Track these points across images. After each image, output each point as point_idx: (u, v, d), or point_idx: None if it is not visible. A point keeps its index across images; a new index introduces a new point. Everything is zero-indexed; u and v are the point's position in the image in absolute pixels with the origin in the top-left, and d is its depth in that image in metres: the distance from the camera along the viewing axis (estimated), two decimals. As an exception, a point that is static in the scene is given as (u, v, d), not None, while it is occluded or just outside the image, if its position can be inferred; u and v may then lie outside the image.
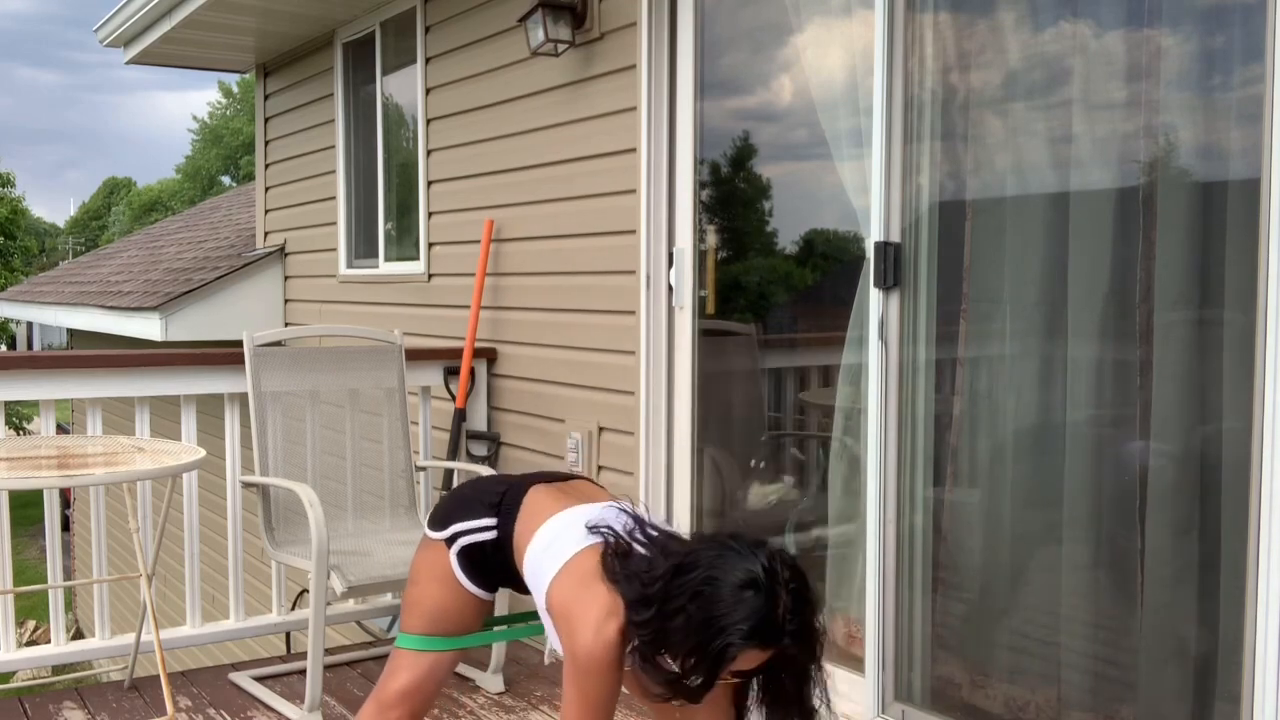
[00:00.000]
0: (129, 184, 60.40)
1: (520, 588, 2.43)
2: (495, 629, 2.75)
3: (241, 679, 3.90)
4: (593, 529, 2.20)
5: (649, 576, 2.05)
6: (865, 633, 3.08)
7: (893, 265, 3.03)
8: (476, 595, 2.40)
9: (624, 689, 2.21)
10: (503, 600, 3.60)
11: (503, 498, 2.39)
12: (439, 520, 2.43)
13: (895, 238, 3.04)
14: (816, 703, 2.09)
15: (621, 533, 2.18)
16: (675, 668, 2.04)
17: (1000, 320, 2.86)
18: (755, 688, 2.16)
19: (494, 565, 2.39)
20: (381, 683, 2.43)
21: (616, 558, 2.13)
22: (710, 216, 3.86)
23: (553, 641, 2.28)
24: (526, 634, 2.76)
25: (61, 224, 66.08)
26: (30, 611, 13.32)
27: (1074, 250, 2.68)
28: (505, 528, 2.36)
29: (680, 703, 2.10)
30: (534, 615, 2.75)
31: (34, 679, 7.76)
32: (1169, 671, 2.56)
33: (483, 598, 2.42)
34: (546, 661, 2.43)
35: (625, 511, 2.26)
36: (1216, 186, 2.45)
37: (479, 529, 2.37)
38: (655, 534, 2.19)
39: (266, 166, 7.38)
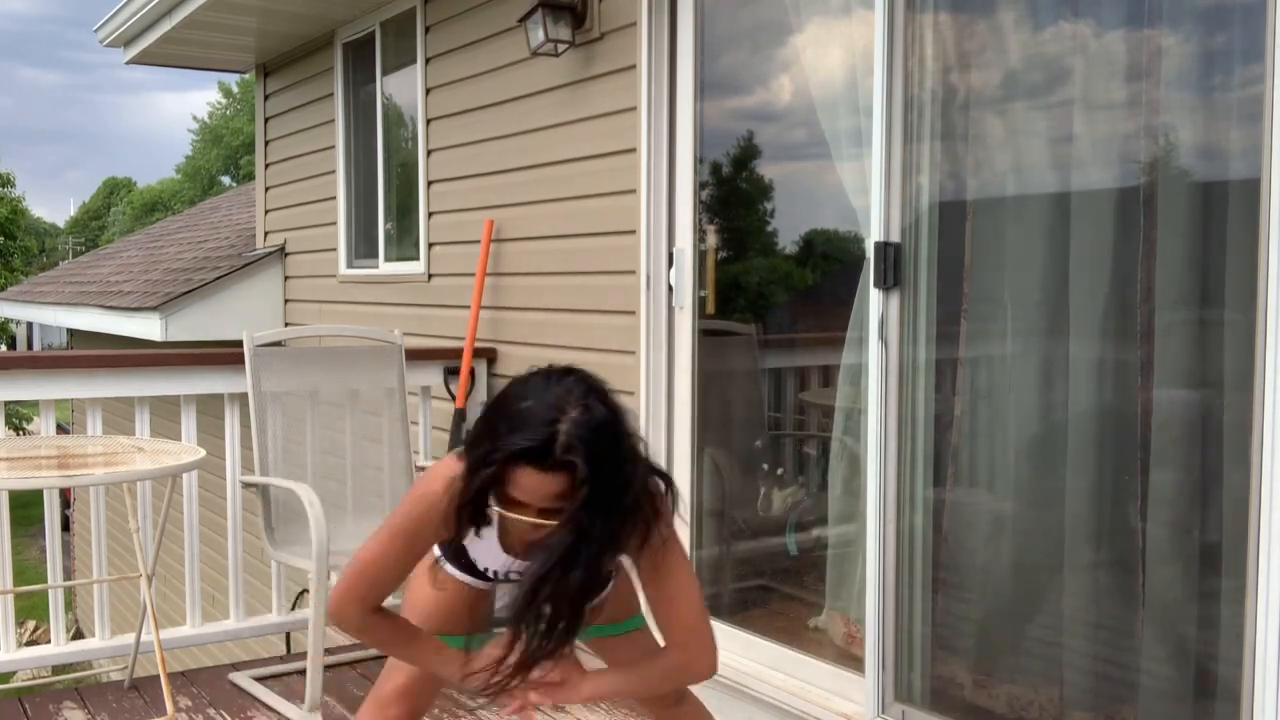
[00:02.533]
0: (129, 184, 60.42)
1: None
2: (496, 630, 2.74)
3: (241, 679, 3.90)
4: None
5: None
6: (865, 633, 3.08)
7: (893, 265, 3.03)
8: (467, 585, 2.38)
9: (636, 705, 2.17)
10: (499, 600, 3.60)
11: None
12: None
13: (895, 238, 3.04)
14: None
15: None
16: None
17: (1000, 320, 2.86)
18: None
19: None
20: (380, 681, 2.42)
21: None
22: (710, 216, 3.86)
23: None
24: None
25: (61, 224, 66.10)
26: (30, 611, 13.32)
27: (1074, 250, 2.68)
28: None
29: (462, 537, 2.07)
30: None
31: (34, 679, 7.75)
32: (1169, 671, 2.56)
33: (475, 586, 2.39)
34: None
35: None
36: (1216, 186, 2.45)
37: None
38: None
39: (266, 166, 7.38)
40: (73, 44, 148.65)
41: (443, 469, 2.05)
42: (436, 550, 2.37)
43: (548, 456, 1.87)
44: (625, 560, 2.27)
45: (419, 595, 2.40)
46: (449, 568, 2.37)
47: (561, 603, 1.99)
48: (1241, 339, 2.36)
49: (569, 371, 1.98)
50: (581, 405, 1.91)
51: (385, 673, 2.43)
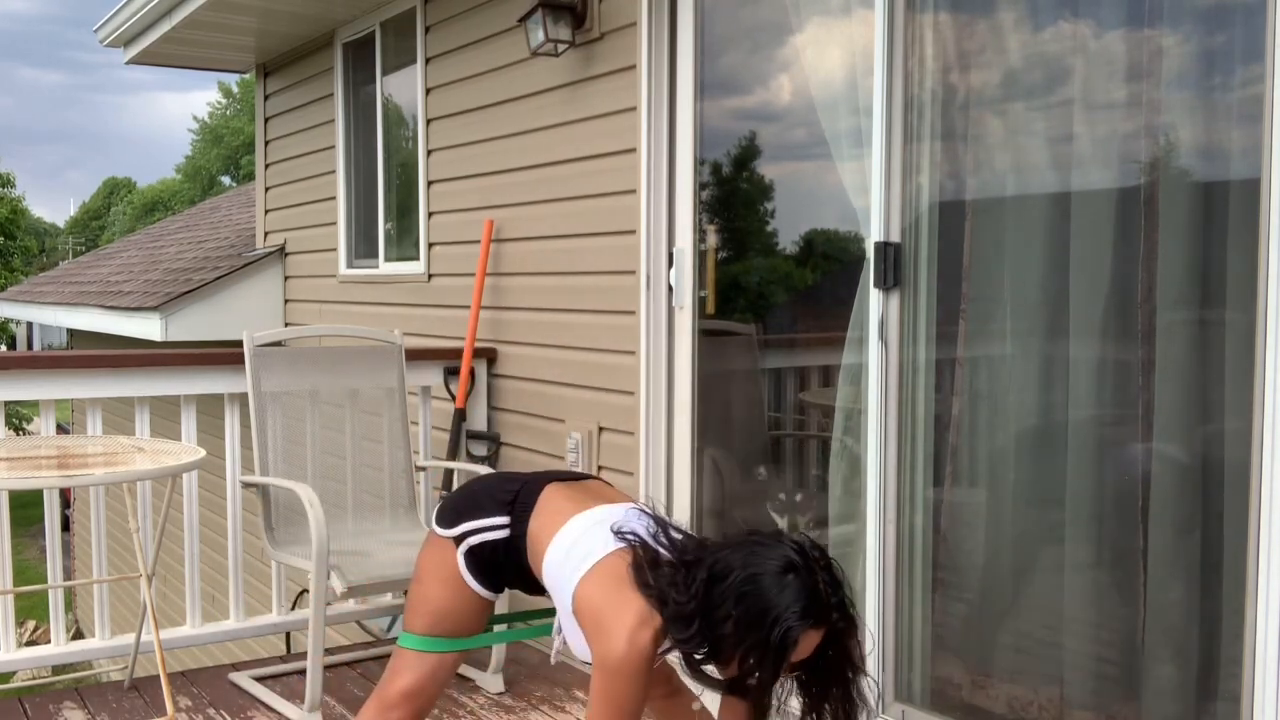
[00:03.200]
0: (129, 184, 60.41)
1: (529, 588, 2.43)
2: (497, 629, 2.75)
3: (241, 679, 3.90)
4: (619, 534, 2.20)
5: (683, 592, 2.07)
6: (865, 633, 3.08)
7: (893, 265, 3.03)
8: (482, 596, 2.40)
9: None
10: (502, 600, 3.60)
11: (516, 496, 2.38)
12: (448, 518, 2.40)
13: (895, 238, 3.04)
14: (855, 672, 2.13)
15: (648, 539, 2.19)
16: (725, 672, 2.08)
17: (1000, 320, 2.86)
18: (780, 688, 2.17)
19: (503, 565, 2.37)
20: (384, 683, 2.42)
21: (647, 568, 2.13)
22: (710, 216, 3.86)
23: (569, 639, 2.26)
24: (529, 635, 2.76)
25: (61, 224, 66.08)
26: (30, 611, 13.32)
27: (1074, 250, 2.68)
28: (518, 527, 2.34)
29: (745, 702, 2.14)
30: (536, 615, 2.75)
31: (34, 679, 7.75)
32: (1169, 671, 2.56)
33: (488, 598, 2.42)
34: (553, 661, 2.43)
35: (646, 513, 2.26)
36: (1216, 186, 2.45)
37: (490, 528, 2.36)
38: (679, 538, 2.20)
39: (266, 166, 7.38)
40: (73, 44, 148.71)
41: (619, 625, 2.08)
42: (463, 565, 2.36)
43: (827, 613, 2.03)
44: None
45: (432, 595, 2.39)
46: (473, 582, 2.37)
47: None
48: (1241, 339, 2.36)
49: (779, 533, 2.14)
50: (818, 555, 2.08)
51: (389, 673, 2.42)
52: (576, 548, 2.22)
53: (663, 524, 2.23)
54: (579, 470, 4.20)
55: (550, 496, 2.36)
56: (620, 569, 2.15)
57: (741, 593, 2.02)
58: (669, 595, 2.08)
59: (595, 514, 2.28)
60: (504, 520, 2.36)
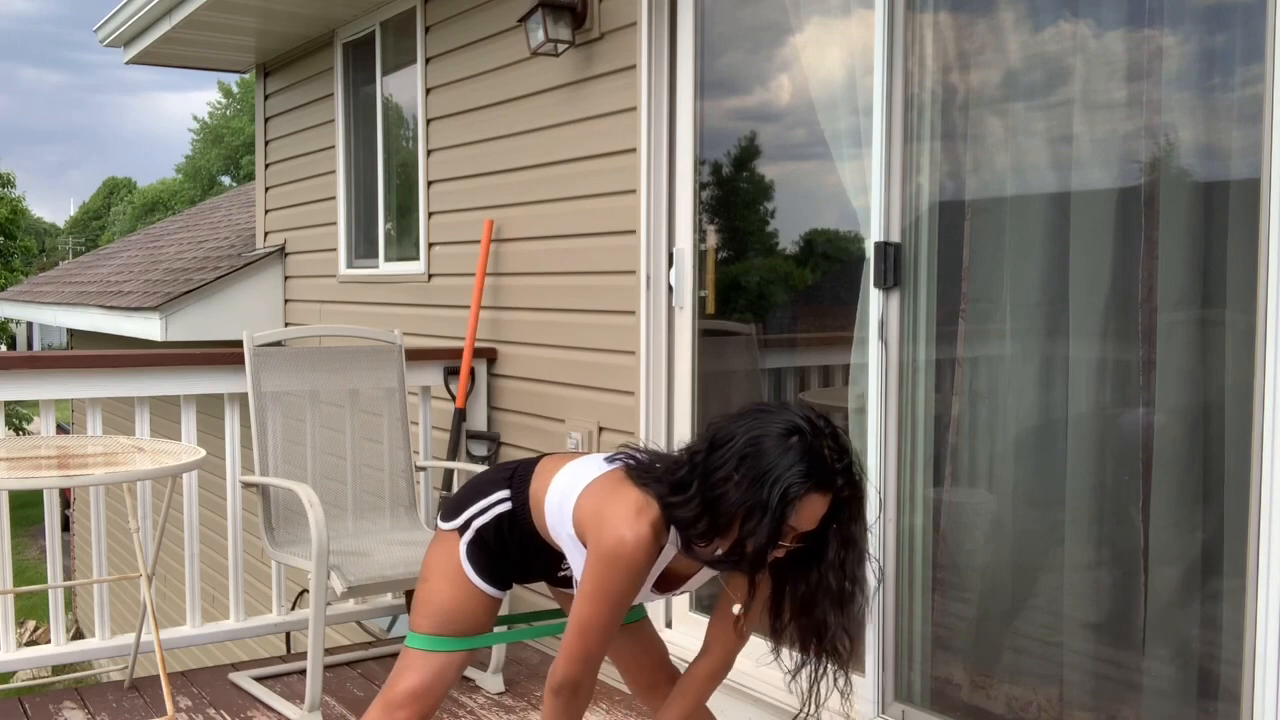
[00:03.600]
0: (129, 184, 60.42)
1: (534, 573, 2.44)
2: (498, 629, 2.75)
3: (241, 679, 3.90)
4: (610, 458, 2.23)
5: (679, 466, 2.06)
6: (865, 633, 3.08)
7: (893, 265, 3.03)
8: (486, 593, 2.39)
9: (619, 685, 2.22)
10: (505, 601, 3.60)
11: (514, 471, 2.41)
12: (451, 511, 2.42)
13: (895, 238, 3.04)
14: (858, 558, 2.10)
15: (639, 456, 2.20)
16: (728, 540, 2.03)
17: (1000, 320, 2.86)
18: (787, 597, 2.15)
19: (509, 544, 2.37)
20: (390, 682, 2.41)
21: (642, 467, 2.13)
22: (710, 216, 3.86)
23: (574, 569, 2.25)
24: (534, 634, 2.76)
25: (61, 224, 66.08)
26: (30, 611, 13.32)
27: (1074, 250, 2.68)
28: (520, 495, 2.36)
29: (738, 579, 2.13)
30: (540, 615, 2.75)
31: (34, 679, 7.76)
32: (1169, 671, 2.56)
33: (493, 595, 2.41)
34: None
35: (636, 453, 2.27)
36: (1216, 186, 2.45)
37: (493, 504, 2.36)
38: (672, 454, 2.20)
39: (266, 166, 7.38)
40: (74, 44, 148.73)
41: (618, 516, 2.07)
42: (466, 562, 2.37)
43: (831, 479, 1.98)
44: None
45: (437, 593, 2.39)
46: (476, 579, 2.37)
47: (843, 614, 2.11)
48: (1241, 339, 2.36)
49: (784, 404, 2.09)
50: (824, 424, 2.02)
51: (396, 673, 2.42)
52: (572, 480, 2.25)
53: (655, 453, 2.24)
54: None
55: (546, 461, 2.40)
56: (616, 476, 2.17)
57: (744, 454, 1.98)
58: (664, 476, 2.07)
59: (588, 458, 2.32)
60: (505, 493, 2.37)
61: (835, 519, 2.04)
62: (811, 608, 2.11)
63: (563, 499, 2.26)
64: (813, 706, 2.19)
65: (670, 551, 2.17)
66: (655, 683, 2.64)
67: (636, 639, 2.62)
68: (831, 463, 1.99)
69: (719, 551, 2.06)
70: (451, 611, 2.38)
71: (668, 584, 2.33)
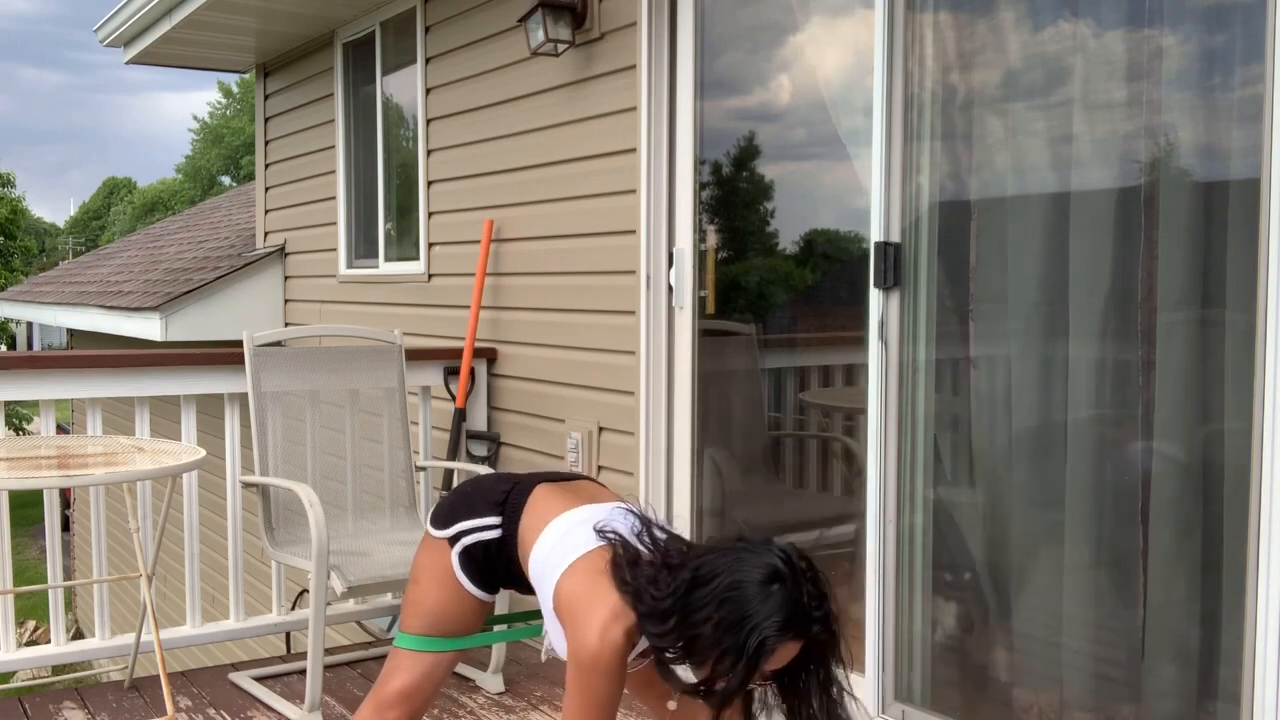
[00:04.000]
0: (129, 184, 60.41)
1: (523, 588, 2.44)
2: (495, 629, 2.75)
3: (241, 679, 3.90)
4: (600, 532, 2.21)
5: (662, 590, 2.07)
6: (865, 633, 3.08)
7: (893, 265, 3.03)
8: (477, 596, 2.40)
9: (625, 689, 2.22)
10: (503, 600, 3.60)
11: (507, 496, 2.40)
12: (442, 519, 2.42)
13: (895, 238, 3.04)
14: (839, 691, 2.12)
15: (629, 538, 2.18)
16: (699, 675, 2.06)
17: (1000, 320, 2.86)
18: (762, 694, 2.17)
19: (496, 565, 2.39)
20: (380, 683, 2.43)
21: (625, 565, 2.13)
22: (710, 216, 3.86)
23: (553, 639, 2.28)
24: (527, 635, 2.76)
25: (61, 224, 66.08)
26: (30, 611, 13.32)
27: (1074, 250, 2.68)
28: (509, 527, 2.36)
29: (705, 705, 2.11)
30: (534, 615, 2.75)
31: (34, 679, 7.76)
32: (1169, 671, 2.56)
33: (484, 599, 2.42)
34: (543, 659, 2.44)
35: (632, 513, 2.26)
36: (1216, 186, 2.45)
37: (482, 528, 2.37)
38: (662, 538, 2.19)
39: (266, 166, 7.38)
40: (75, 44, 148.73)
41: (593, 620, 2.09)
42: (457, 567, 2.37)
43: (807, 626, 2.01)
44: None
45: (428, 595, 2.40)
46: (468, 583, 2.38)
47: None
48: (1241, 339, 2.36)
49: (768, 541, 2.11)
50: (805, 567, 2.06)
51: (386, 673, 2.43)
52: (560, 545, 2.24)
53: (647, 523, 2.23)
54: (578, 471, 4.20)
55: (540, 496, 2.37)
56: (599, 565, 2.16)
57: (724, 598, 2.01)
58: (645, 592, 2.07)
59: (581, 513, 2.29)
60: (496, 520, 2.37)
61: (811, 662, 2.08)
62: None
63: (546, 566, 2.24)
64: None
65: (639, 655, 2.17)
66: (651, 679, 2.65)
67: None
68: (809, 610, 2.01)
69: (690, 678, 2.10)
70: (441, 613, 2.39)
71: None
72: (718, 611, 2.00)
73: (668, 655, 2.09)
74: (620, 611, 2.09)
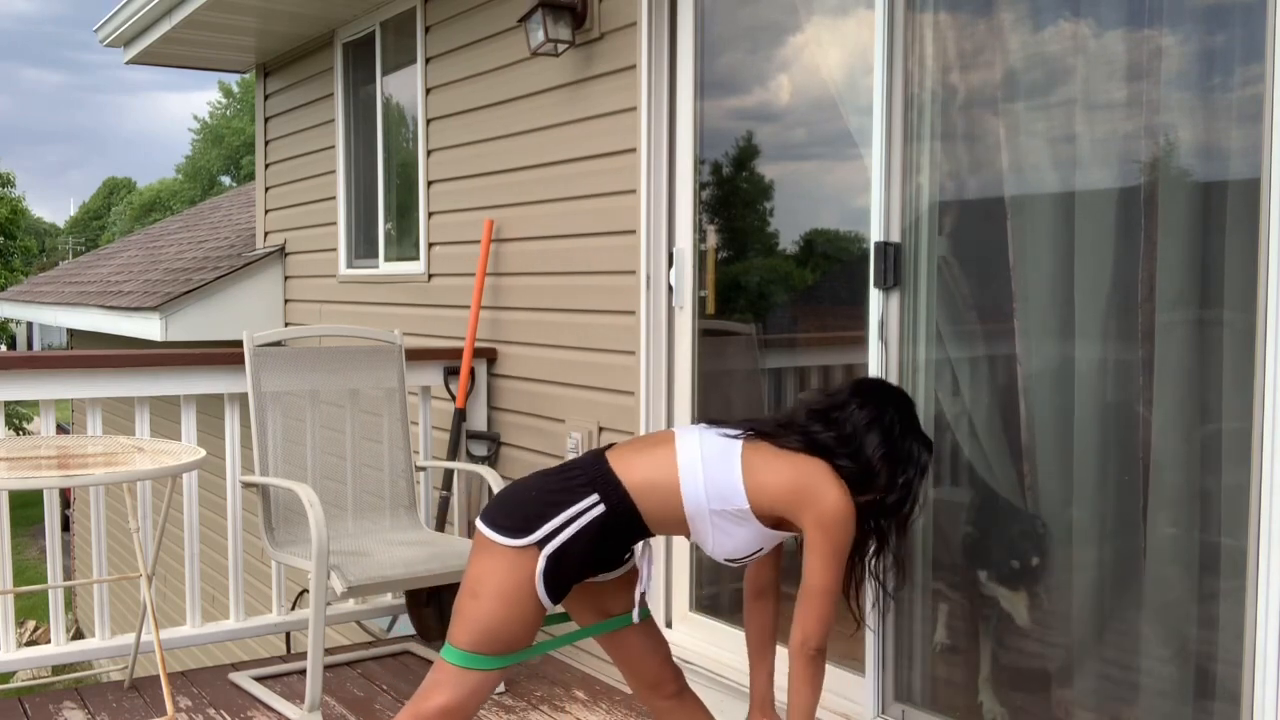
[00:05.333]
0: (129, 184, 60.42)
1: (604, 567, 2.48)
2: (536, 644, 2.62)
3: (241, 679, 3.90)
4: (741, 430, 2.49)
5: (841, 446, 2.46)
6: (865, 633, 3.08)
7: (893, 265, 3.03)
8: (543, 608, 2.34)
9: (615, 684, 2.22)
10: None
11: (589, 477, 2.37)
12: (515, 526, 2.31)
13: (895, 238, 3.04)
14: None
15: (750, 427, 2.50)
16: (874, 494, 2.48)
17: (1000, 320, 2.86)
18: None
19: (599, 550, 2.36)
20: (421, 695, 2.34)
21: (777, 432, 2.46)
22: (710, 216, 3.86)
23: (718, 543, 2.45)
24: (563, 643, 2.63)
25: (61, 224, 66.08)
26: (30, 611, 13.32)
27: (1074, 250, 2.68)
28: (614, 495, 2.34)
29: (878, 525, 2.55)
30: (555, 620, 2.67)
31: (34, 679, 7.76)
32: (1169, 671, 2.56)
33: (547, 609, 2.37)
34: (640, 590, 2.54)
35: (704, 426, 2.52)
36: (1216, 186, 2.45)
37: (583, 511, 2.32)
38: (761, 419, 2.60)
39: (266, 166, 7.38)
40: (75, 44, 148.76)
41: (823, 483, 2.40)
42: (541, 574, 2.29)
43: (929, 446, 2.63)
44: (638, 548, 2.40)
45: (489, 612, 2.30)
46: (543, 594, 2.32)
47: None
48: (1241, 339, 2.36)
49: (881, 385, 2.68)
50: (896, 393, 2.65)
51: (429, 687, 2.34)
52: (711, 462, 2.40)
53: (720, 423, 2.55)
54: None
55: (622, 455, 2.44)
56: (767, 450, 2.44)
57: (886, 435, 2.48)
58: (835, 450, 2.44)
59: (687, 436, 2.46)
60: (594, 498, 2.33)
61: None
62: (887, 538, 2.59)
63: (709, 481, 2.39)
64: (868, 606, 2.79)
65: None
66: (659, 681, 2.64)
67: (644, 637, 2.61)
68: (920, 429, 2.61)
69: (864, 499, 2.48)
70: (499, 631, 2.30)
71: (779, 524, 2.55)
72: (887, 449, 2.48)
73: (862, 490, 2.46)
74: (829, 471, 2.41)
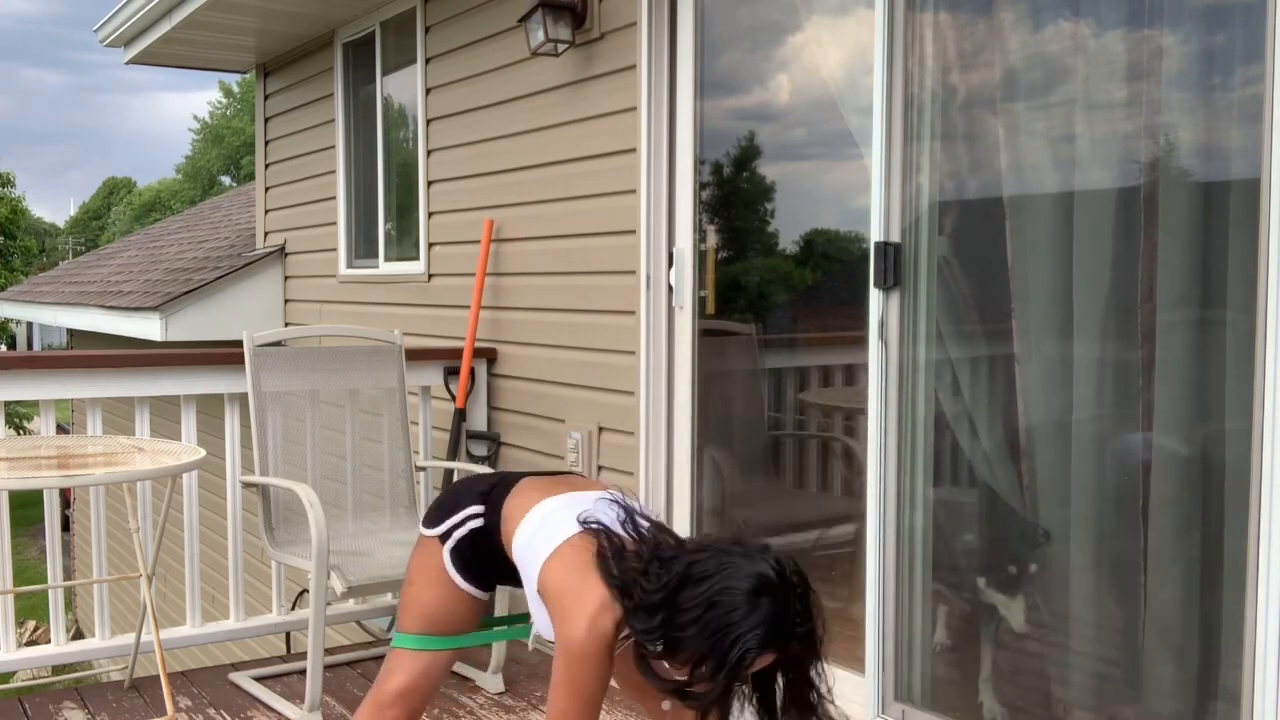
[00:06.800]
0: (129, 184, 60.40)
1: (516, 580, 2.44)
2: (494, 629, 2.75)
3: (241, 679, 3.90)
4: (585, 522, 2.21)
5: (651, 584, 2.07)
6: (865, 633, 3.08)
7: (893, 265, 3.03)
8: (471, 594, 2.41)
9: (613, 684, 2.23)
10: (502, 600, 3.60)
11: (492, 488, 2.43)
12: (432, 518, 2.45)
13: (895, 238, 3.04)
14: (818, 696, 2.12)
15: (615, 529, 2.19)
16: (679, 674, 2.06)
17: (1000, 320, 2.86)
18: (744, 692, 2.16)
19: (485, 557, 2.39)
20: (379, 682, 2.44)
21: (611, 558, 2.14)
22: (710, 216, 3.86)
23: (537, 621, 2.28)
24: (525, 634, 2.76)
25: (61, 224, 66.07)
26: (30, 611, 13.32)
27: (1074, 250, 2.68)
28: (492, 515, 2.38)
29: (680, 705, 2.12)
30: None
31: (34, 679, 7.75)
32: (1169, 671, 2.56)
33: (478, 596, 2.43)
34: (530, 648, 2.45)
35: (616, 502, 2.27)
36: (1216, 186, 2.45)
37: (469, 518, 2.39)
38: (646, 529, 2.20)
39: (266, 166, 7.38)
40: (75, 44, 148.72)
41: (582, 610, 2.09)
42: (448, 563, 2.39)
43: (788, 641, 2.02)
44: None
45: (423, 595, 2.42)
46: (460, 580, 2.40)
47: None
48: (1242, 339, 2.36)
49: (764, 548, 2.10)
50: (795, 580, 2.06)
51: (384, 673, 2.44)
52: (542, 528, 2.25)
53: (630, 512, 2.23)
54: (578, 470, 4.20)
55: (524, 486, 2.41)
56: (584, 554, 2.16)
57: (712, 601, 2.00)
58: (635, 585, 2.08)
59: (564, 498, 2.31)
60: (479, 509, 2.40)
61: (788, 670, 2.08)
62: None
63: (529, 550, 2.25)
64: None
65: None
66: (647, 685, 2.65)
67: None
68: (793, 624, 2.01)
69: (670, 677, 2.10)
70: (436, 612, 2.41)
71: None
72: (705, 614, 2.00)
73: (651, 650, 2.09)
74: (608, 603, 2.09)
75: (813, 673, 2.09)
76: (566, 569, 2.16)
